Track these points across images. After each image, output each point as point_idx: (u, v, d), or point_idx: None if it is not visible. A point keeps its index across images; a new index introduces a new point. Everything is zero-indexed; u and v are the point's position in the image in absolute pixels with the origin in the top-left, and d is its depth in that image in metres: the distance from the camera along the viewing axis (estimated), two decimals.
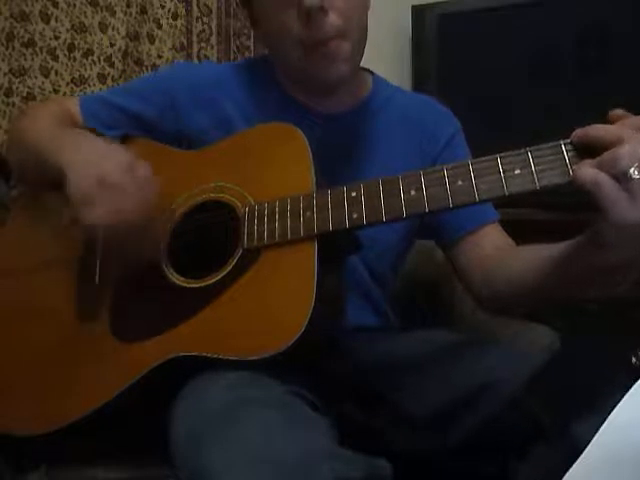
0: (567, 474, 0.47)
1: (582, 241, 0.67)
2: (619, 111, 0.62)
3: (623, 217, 0.58)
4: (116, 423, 0.77)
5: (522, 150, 0.64)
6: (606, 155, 0.58)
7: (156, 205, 0.77)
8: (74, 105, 0.97)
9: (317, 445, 0.59)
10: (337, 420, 0.68)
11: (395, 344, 0.87)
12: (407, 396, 0.79)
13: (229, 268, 0.76)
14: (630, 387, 0.50)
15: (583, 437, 0.49)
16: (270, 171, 0.80)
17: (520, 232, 0.89)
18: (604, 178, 0.58)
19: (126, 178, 0.75)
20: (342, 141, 0.92)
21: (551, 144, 0.63)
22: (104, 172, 0.74)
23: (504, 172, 0.64)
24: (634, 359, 0.67)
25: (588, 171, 0.59)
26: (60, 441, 0.77)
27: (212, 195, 0.83)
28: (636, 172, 0.57)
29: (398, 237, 0.96)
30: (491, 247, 0.90)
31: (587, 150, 0.61)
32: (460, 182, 0.66)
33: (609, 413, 0.48)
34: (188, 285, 0.79)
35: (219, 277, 0.76)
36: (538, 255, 0.77)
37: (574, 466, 0.47)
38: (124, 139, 0.95)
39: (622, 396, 0.49)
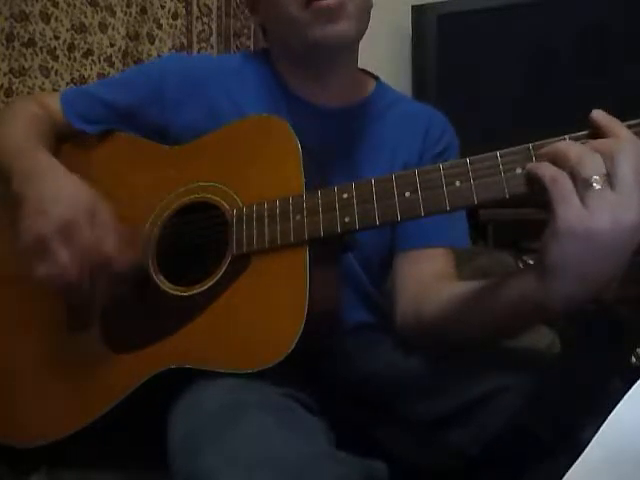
0: (567, 474, 0.47)
1: (523, 271, 0.66)
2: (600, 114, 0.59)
3: (569, 223, 0.56)
4: (114, 428, 0.77)
5: (523, 146, 0.61)
6: (574, 158, 0.57)
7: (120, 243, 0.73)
8: (55, 101, 0.94)
9: (314, 448, 0.58)
10: (334, 423, 0.68)
11: (395, 347, 0.86)
12: (407, 401, 0.79)
13: (219, 275, 0.74)
14: (630, 387, 0.50)
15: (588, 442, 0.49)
16: (258, 169, 0.77)
17: (520, 232, 0.88)
18: (563, 176, 0.56)
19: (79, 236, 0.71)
20: (339, 138, 0.90)
21: (555, 140, 0.61)
22: (44, 228, 0.71)
23: (504, 172, 0.61)
24: (634, 359, 0.67)
25: (550, 167, 0.58)
26: (60, 444, 0.77)
27: (199, 196, 0.80)
28: (598, 183, 0.55)
29: (390, 233, 0.94)
30: (433, 271, 0.86)
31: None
32: (458, 183, 0.63)
33: (609, 413, 0.48)
34: (178, 293, 0.77)
35: (209, 285, 0.74)
36: (472, 285, 0.74)
37: (574, 466, 0.47)
38: (106, 134, 0.92)
39: (622, 396, 0.49)
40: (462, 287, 0.77)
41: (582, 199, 0.55)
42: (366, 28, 0.87)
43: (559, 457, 0.62)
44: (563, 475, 0.47)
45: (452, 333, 0.78)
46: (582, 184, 0.56)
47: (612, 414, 0.48)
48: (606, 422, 0.48)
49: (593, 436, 0.47)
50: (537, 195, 0.59)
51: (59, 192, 0.75)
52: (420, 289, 0.84)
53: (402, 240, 0.90)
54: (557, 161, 0.58)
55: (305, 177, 0.73)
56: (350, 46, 0.89)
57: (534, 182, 0.59)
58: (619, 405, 0.48)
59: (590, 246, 0.56)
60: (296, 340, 0.66)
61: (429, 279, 0.85)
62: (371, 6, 0.87)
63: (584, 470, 0.47)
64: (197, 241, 0.82)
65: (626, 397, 0.49)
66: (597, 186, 0.55)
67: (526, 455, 0.69)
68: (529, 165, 0.60)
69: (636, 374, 0.51)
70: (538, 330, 1.07)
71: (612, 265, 0.57)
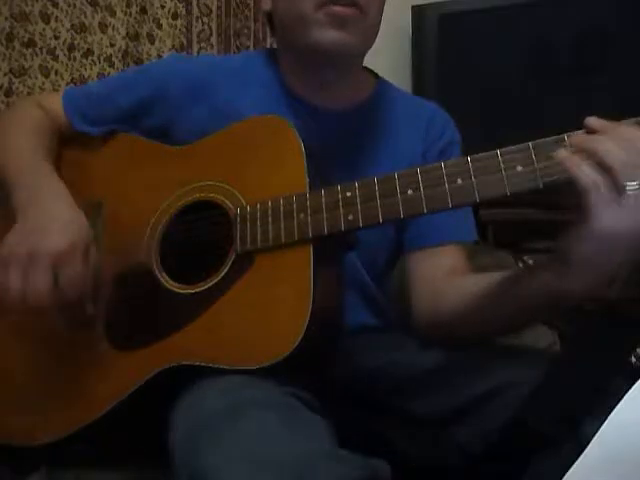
0: (567, 474, 0.47)
1: (542, 264, 0.68)
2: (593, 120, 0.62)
3: (605, 223, 0.59)
4: (115, 427, 0.77)
5: (524, 145, 0.63)
6: (608, 163, 0.59)
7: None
8: (56, 101, 0.94)
9: (316, 446, 0.58)
10: (336, 422, 0.68)
11: (396, 347, 0.86)
12: (409, 400, 0.79)
13: (223, 273, 0.74)
14: (630, 387, 0.50)
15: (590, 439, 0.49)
16: (262, 168, 0.78)
17: (520, 232, 0.88)
18: (604, 183, 0.59)
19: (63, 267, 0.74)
20: (341, 140, 0.90)
21: (555, 138, 0.62)
22: (40, 248, 0.73)
23: (505, 170, 0.62)
24: (634, 359, 0.67)
25: (591, 170, 0.59)
26: (60, 444, 0.77)
27: (202, 195, 0.81)
28: (631, 188, 0.58)
29: (393, 234, 0.95)
30: (447, 267, 0.87)
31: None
32: (460, 181, 0.64)
33: (611, 410, 0.48)
34: (182, 291, 0.77)
35: (213, 283, 0.74)
36: (489, 279, 0.76)
37: (574, 466, 0.47)
38: (110, 135, 0.93)
39: (624, 394, 0.49)
40: (477, 281, 0.78)
41: (618, 201, 0.59)
42: (372, 44, 0.88)
43: (561, 454, 0.62)
44: (565, 472, 0.47)
45: (468, 326, 0.79)
46: (619, 190, 0.58)
47: (612, 414, 0.48)
48: (606, 422, 0.48)
49: (595, 433, 0.47)
50: (552, 193, 0.62)
51: (51, 223, 0.77)
52: (436, 285, 0.85)
53: (414, 239, 0.91)
54: (598, 163, 0.59)
55: (308, 176, 0.74)
56: (355, 56, 0.89)
57: (569, 179, 0.60)
58: (619, 405, 0.49)
59: (614, 245, 0.60)
60: (301, 337, 0.66)
61: (444, 275, 0.86)
62: (380, 22, 0.88)
63: (584, 470, 0.47)
64: (201, 240, 0.82)
65: (626, 397, 0.49)
66: (631, 189, 0.58)
67: (529, 452, 0.69)
68: (568, 162, 0.60)
69: (636, 374, 0.51)
70: (538, 330, 1.07)
71: (622, 258, 0.61)
